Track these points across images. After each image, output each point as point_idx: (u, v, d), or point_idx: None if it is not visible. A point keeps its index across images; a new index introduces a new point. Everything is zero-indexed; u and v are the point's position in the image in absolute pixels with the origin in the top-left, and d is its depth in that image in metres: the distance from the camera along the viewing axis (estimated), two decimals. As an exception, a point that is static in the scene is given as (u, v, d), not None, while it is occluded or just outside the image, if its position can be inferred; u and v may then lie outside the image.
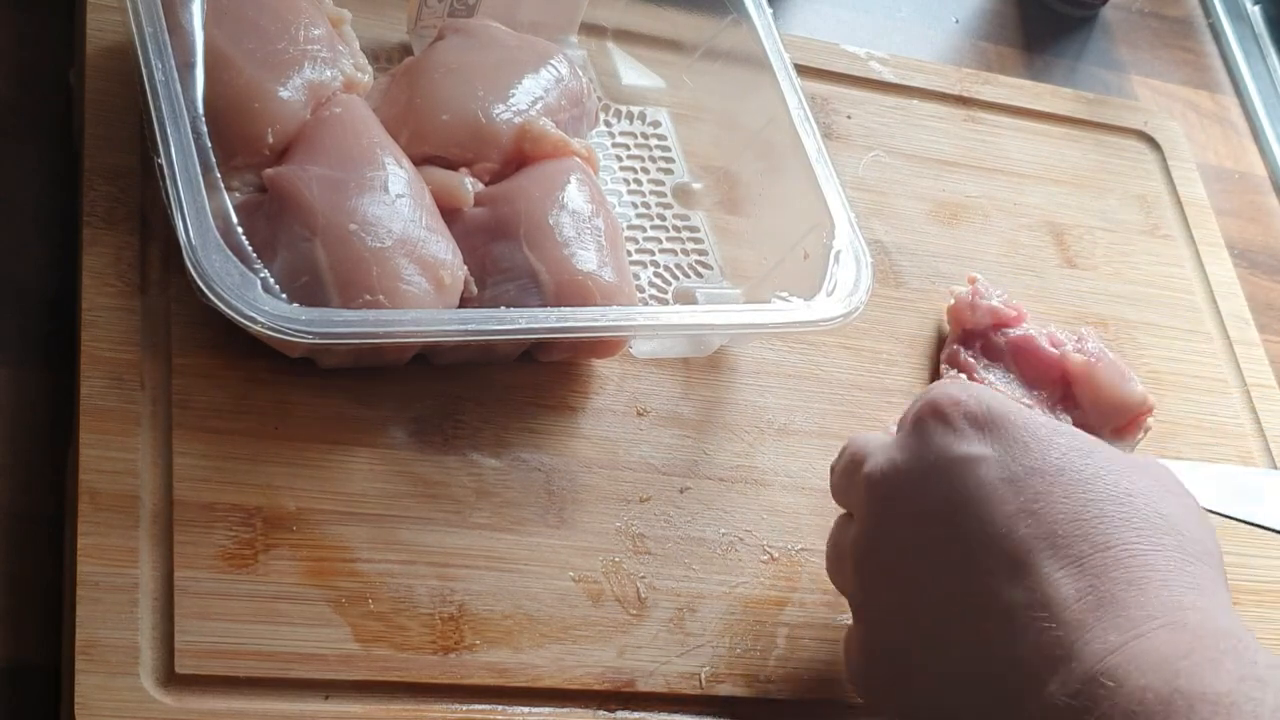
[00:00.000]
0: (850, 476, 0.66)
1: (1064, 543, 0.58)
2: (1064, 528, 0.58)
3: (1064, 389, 0.83)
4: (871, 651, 0.64)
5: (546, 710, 0.66)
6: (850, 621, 0.66)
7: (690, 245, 0.82)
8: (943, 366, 0.83)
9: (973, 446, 0.61)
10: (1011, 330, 0.83)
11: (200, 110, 0.68)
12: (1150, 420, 0.83)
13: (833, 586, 0.71)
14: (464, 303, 0.71)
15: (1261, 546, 0.81)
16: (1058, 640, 0.56)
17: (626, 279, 0.74)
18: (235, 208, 0.67)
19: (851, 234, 0.77)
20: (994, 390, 0.64)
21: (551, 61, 0.78)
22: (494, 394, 0.72)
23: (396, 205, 0.70)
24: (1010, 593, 0.58)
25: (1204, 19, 1.17)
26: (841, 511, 0.68)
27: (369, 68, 0.76)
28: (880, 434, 0.67)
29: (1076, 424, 0.82)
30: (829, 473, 0.69)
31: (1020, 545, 0.58)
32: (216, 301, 0.64)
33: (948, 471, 0.61)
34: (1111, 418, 0.83)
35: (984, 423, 0.62)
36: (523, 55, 0.78)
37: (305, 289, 0.67)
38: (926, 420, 0.63)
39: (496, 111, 0.75)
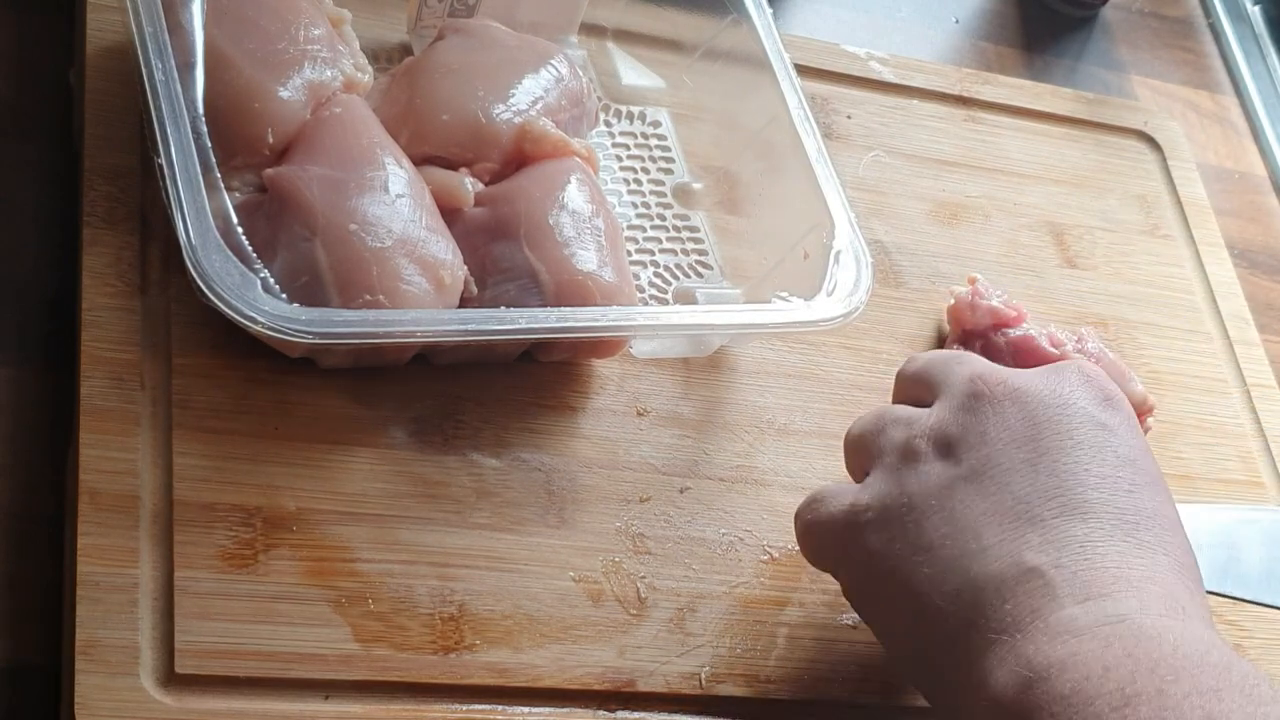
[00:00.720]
0: (952, 364, 0.67)
1: (1134, 523, 0.61)
2: (1145, 518, 0.61)
3: (1064, 389, 0.83)
4: (883, 536, 0.64)
5: (546, 710, 0.66)
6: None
7: (690, 245, 0.82)
8: (943, 366, 0.83)
9: (1106, 416, 0.64)
10: (1011, 330, 0.83)
11: (200, 110, 0.68)
12: (1150, 420, 0.83)
13: (832, 587, 0.71)
14: (464, 303, 0.71)
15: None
16: (1097, 578, 0.59)
17: (626, 279, 0.74)
18: (235, 208, 0.67)
19: (851, 234, 0.77)
20: None
21: (551, 61, 0.78)
22: (494, 394, 0.72)
23: (396, 205, 0.70)
24: (1070, 525, 0.60)
25: (1204, 19, 1.17)
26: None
27: (369, 68, 0.76)
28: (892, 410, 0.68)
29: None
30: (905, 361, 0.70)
31: (1101, 501, 0.61)
32: (216, 301, 0.64)
33: (1077, 421, 0.64)
34: (1111, 418, 0.83)
35: (1118, 406, 0.65)
36: (523, 55, 0.78)
37: (305, 289, 0.67)
38: (1071, 374, 0.66)
39: (496, 111, 0.75)
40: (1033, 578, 0.59)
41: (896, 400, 0.70)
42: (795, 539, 0.68)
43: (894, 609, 0.63)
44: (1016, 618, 0.58)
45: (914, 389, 0.69)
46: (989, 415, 0.64)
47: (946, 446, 0.64)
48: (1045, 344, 0.83)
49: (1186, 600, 0.59)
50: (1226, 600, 0.74)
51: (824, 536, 0.66)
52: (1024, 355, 0.83)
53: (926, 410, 0.66)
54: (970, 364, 0.67)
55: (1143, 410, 0.83)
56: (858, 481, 0.67)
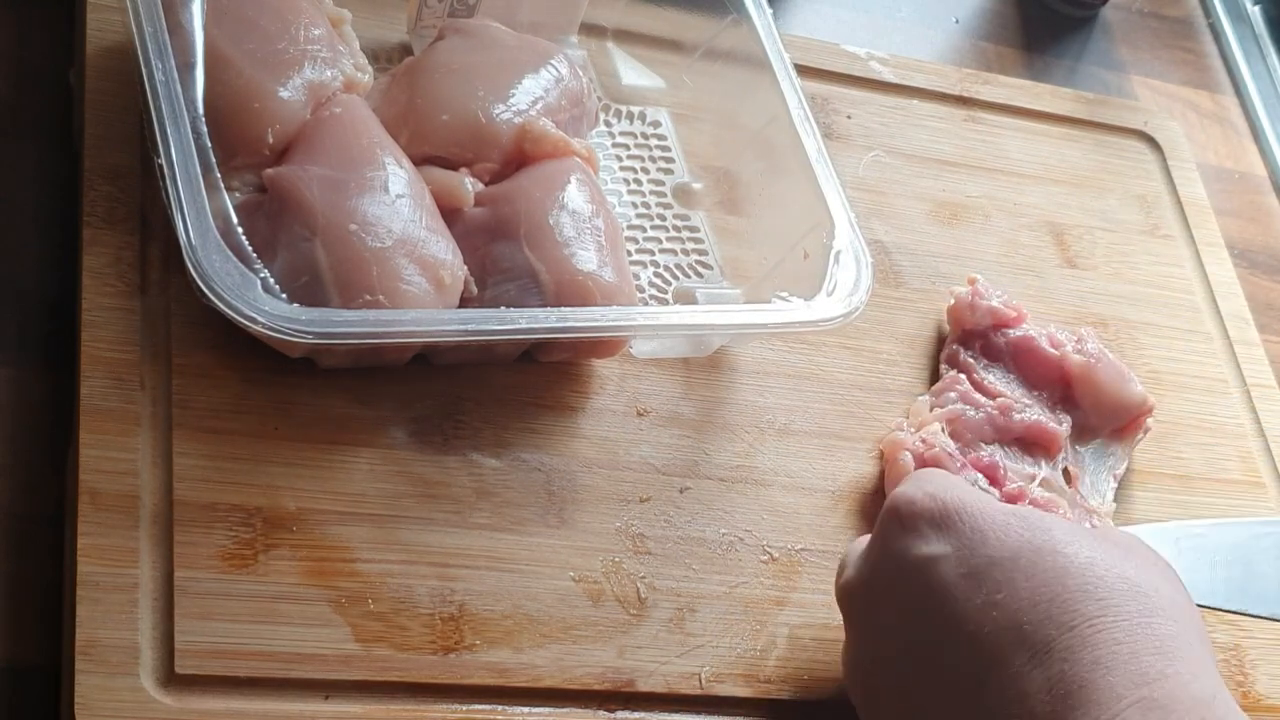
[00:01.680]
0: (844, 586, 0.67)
1: (1030, 630, 0.59)
2: (1028, 614, 0.59)
3: (1064, 389, 0.83)
4: None
5: (546, 710, 0.66)
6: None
7: (690, 245, 0.82)
8: (942, 367, 0.83)
9: (931, 546, 0.62)
10: (1011, 331, 0.83)
11: (200, 110, 0.68)
12: (1150, 420, 0.83)
13: (832, 586, 0.71)
14: (464, 303, 0.71)
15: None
16: None
17: (626, 279, 0.74)
18: (235, 208, 0.67)
19: (851, 234, 0.77)
20: (954, 480, 0.66)
21: (551, 61, 0.78)
22: (494, 394, 0.72)
23: (396, 205, 0.70)
24: (985, 692, 0.59)
25: (1204, 19, 1.17)
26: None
27: (369, 68, 0.76)
28: (862, 541, 0.68)
29: (1076, 424, 0.82)
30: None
31: (989, 641, 0.59)
32: (216, 301, 0.64)
33: (911, 575, 0.62)
34: (1111, 418, 0.83)
35: (940, 520, 0.63)
36: (523, 55, 0.78)
37: (305, 289, 0.67)
38: (888, 526, 0.64)
39: (496, 111, 0.75)
40: None
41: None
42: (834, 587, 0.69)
43: None
44: None
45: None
46: (869, 631, 0.65)
47: (868, 678, 0.65)
48: (1045, 344, 0.83)
49: (1118, 652, 0.57)
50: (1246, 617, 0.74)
51: None
52: (1023, 355, 0.83)
53: (843, 646, 0.67)
54: (846, 568, 0.67)
55: (1142, 410, 0.83)
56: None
